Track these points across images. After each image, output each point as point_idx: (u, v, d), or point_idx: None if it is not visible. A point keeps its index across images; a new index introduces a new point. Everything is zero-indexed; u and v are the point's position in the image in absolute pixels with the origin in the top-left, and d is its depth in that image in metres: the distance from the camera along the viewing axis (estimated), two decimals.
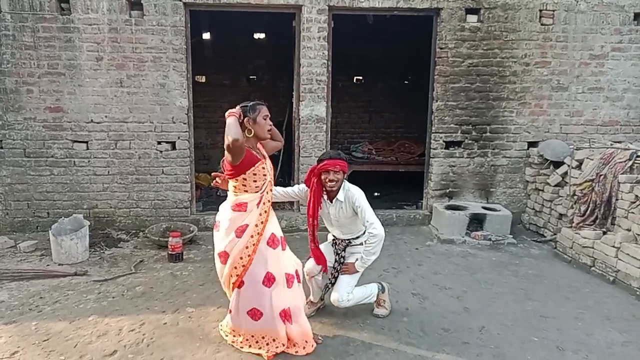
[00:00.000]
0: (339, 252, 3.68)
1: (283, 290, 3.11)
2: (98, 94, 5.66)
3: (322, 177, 3.43)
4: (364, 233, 3.60)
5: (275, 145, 3.43)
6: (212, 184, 3.45)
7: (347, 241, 3.67)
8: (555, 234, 5.56)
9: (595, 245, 4.75)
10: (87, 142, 5.75)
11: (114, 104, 5.70)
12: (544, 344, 3.41)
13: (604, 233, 4.76)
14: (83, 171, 5.80)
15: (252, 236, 3.06)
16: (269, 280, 3.07)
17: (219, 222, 3.21)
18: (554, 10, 5.96)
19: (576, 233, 5.02)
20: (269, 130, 3.13)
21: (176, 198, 5.98)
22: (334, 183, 3.42)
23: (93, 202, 5.86)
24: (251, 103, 3.08)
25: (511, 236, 5.67)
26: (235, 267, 3.08)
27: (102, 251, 5.22)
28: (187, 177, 5.97)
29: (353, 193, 3.50)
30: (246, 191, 3.09)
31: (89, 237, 5.12)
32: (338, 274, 3.66)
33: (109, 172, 5.83)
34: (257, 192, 3.09)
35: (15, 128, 5.64)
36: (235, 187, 3.12)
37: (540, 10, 5.95)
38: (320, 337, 3.36)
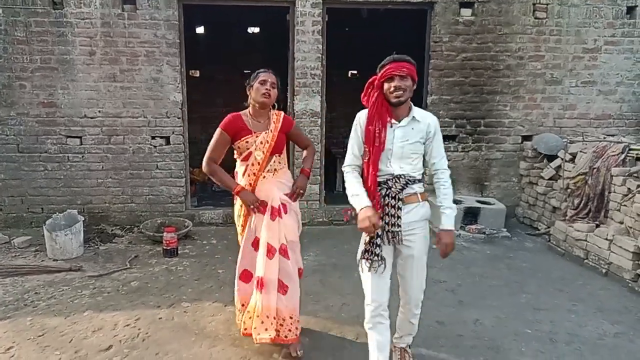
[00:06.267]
0: (391, 201, 2.67)
1: (263, 257, 3.03)
2: (91, 88, 5.64)
3: (385, 87, 2.68)
4: (420, 179, 2.77)
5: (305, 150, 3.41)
6: None
7: (405, 179, 2.69)
8: (548, 227, 5.60)
9: (589, 237, 4.79)
10: (80, 138, 5.73)
11: (108, 98, 5.68)
12: (537, 335, 3.45)
13: (597, 226, 4.79)
14: (77, 166, 5.78)
15: (240, 205, 3.19)
16: (256, 244, 3.12)
17: None
18: (547, 4, 5.97)
19: (569, 226, 5.05)
20: (263, 94, 3.01)
21: (171, 193, 5.97)
22: (401, 92, 2.63)
23: (87, 198, 5.85)
24: (258, 70, 3.12)
25: (505, 229, 5.71)
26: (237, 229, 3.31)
27: (96, 247, 5.22)
28: (182, 172, 5.96)
29: (431, 116, 2.79)
30: (241, 160, 3.15)
31: (84, 233, 5.11)
32: (389, 241, 2.71)
33: (103, 167, 5.81)
34: (243, 161, 3.13)
35: (8, 123, 5.60)
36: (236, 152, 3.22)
37: (534, 4, 5.97)
38: (300, 352, 3.09)
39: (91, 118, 5.70)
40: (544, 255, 5.17)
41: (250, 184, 3.10)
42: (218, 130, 3.09)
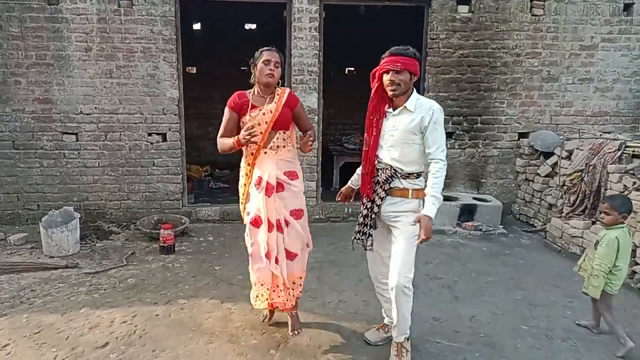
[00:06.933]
0: (378, 189, 2.90)
1: (264, 233, 3.10)
2: (87, 85, 5.61)
3: (384, 79, 2.82)
4: (416, 176, 2.87)
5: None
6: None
7: (391, 171, 2.85)
8: (545, 224, 5.62)
9: (585, 234, 4.80)
10: (76, 134, 5.70)
11: (104, 95, 5.65)
12: (533, 332, 3.46)
13: (593, 223, 4.81)
14: (73, 163, 5.75)
15: (242, 176, 3.26)
16: (256, 221, 3.15)
17: None
18: (544, 1, 5.97)
19: (565, 223, 5.07)
20: (267, 74, 3.04)
21: (167, 190, 5.96)
22: (394, 87, 2.76)
23: (83, 195, 5.83)
24: (262, 48, 3.14)
25: (502, 226, 5.72)
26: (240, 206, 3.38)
27: (93, 244, 5.20)
28: (179, 168, 5.94)
29: (431, 106, 2.80)
30: None
31: (80, 230, 5.09)
32: (373, 222, 2.96)
33: (99, 164, 5.79)
34: None
35: (4, 120, 5.57)
36: None
37: (531, 1, 5.97)
38: (297, 331, 3.31)
39: (87, 114, 5.67)
40: (540, 252, 5.18)
41: (252, 154, 3.13)
42: (225, 110, 3.17)
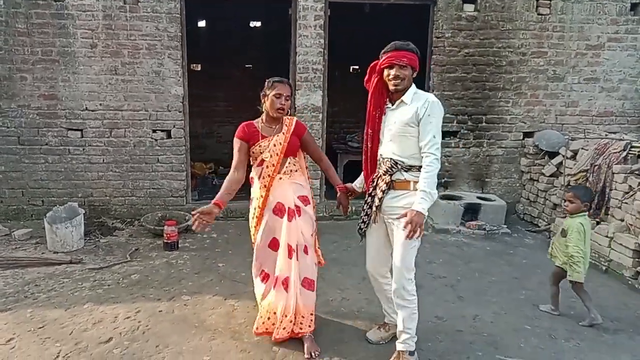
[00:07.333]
0: (379, 182, 2.90)
1: (284, 258, 3.13)
2: (92, 81, 5.62)
3: (385, 73, 2.82)
4: (418, 169, 2.77)
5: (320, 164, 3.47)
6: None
7: (391, 163, 2.83)
8: (549, 224, 5.60)
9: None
10: (81, 130, 5.72)
11: (109, 91, 5.67)
12: (537, 332, 3.45)
13: (598, 223, 4.79)
14: (78, 159, 5.77)
15: (254, 208, 3.22)
16: (275, 244, 3.18)
17: None
18: (550, 0, 5.94)
19: None
20: (278, 109, 3.09)
21: (172, 187, 5.97)
22: (398, 81, 2.76)
23: (88, 191, 5.85)
24: (273, 79, 3.15)
25: (505, 226, 5.70)
26: (250, 230, 3.35)
27: (97, 239, 5.22)
28: (183, 165, 5.96)
29: (427, 98, 2.78)
30: (256, 165, 3.21)
31: (84, 226, 5.11)
32: (374, 216, 2.96)
33: (104, 160, 5.81)
34: (258, 166, 3.19)
35: (9, 116, 5.60)
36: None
37: (537, 0, 5.94)
38: (315, 352, 3.08)
39: (92, 111, 5.69)
40: (544, 252, 5.11)
41: (265, 185, 3.14)
42: (234, 140, 3.19)
